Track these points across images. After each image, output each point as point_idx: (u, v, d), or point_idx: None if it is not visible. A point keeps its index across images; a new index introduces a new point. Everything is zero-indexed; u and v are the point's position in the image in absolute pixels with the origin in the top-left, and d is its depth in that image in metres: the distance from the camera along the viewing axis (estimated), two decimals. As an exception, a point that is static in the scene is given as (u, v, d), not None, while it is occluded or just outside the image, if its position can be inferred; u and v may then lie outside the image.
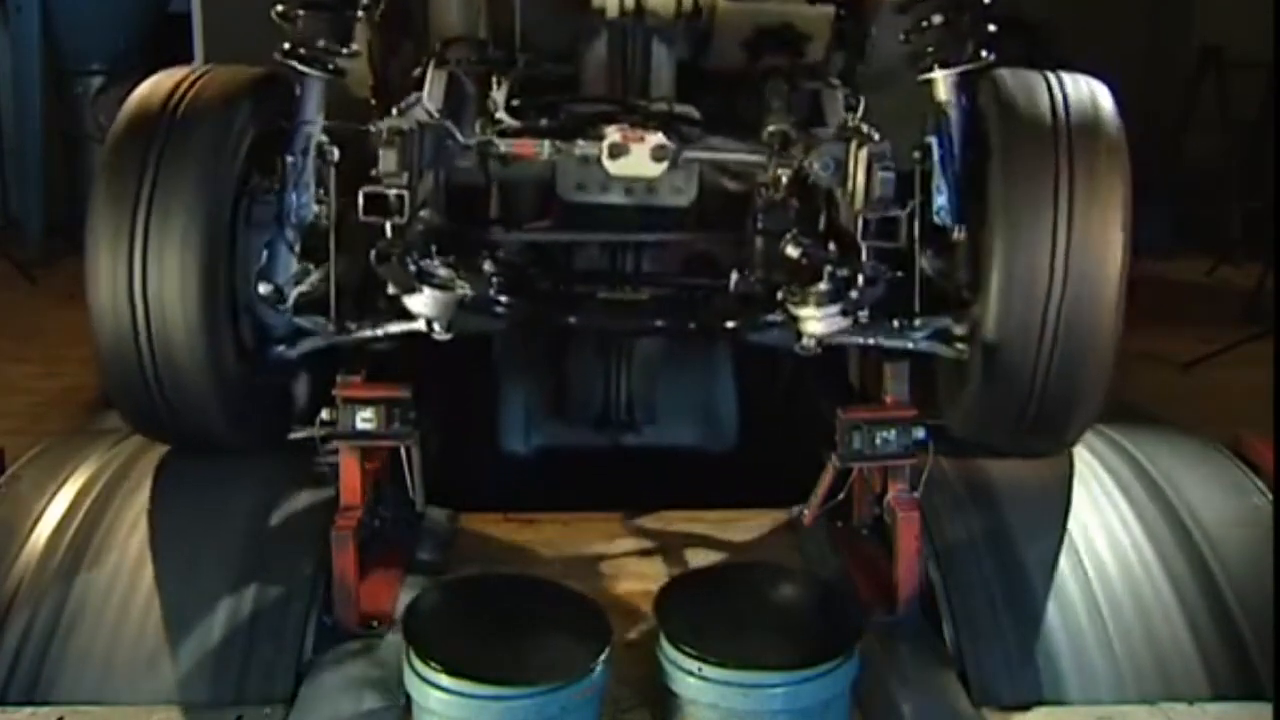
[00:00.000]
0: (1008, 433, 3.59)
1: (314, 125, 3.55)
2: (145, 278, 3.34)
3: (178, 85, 3.54)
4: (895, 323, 3.58)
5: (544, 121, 3.77)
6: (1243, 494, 3.62)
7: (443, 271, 3.45)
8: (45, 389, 5.74)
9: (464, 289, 3.47)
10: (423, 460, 3.45)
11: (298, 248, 3.58)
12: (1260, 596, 3.15)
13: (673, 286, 4.21)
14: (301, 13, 3.54)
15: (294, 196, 3.53)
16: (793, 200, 3.83)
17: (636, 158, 3.64)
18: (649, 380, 4.54)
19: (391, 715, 2.99)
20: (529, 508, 4.03)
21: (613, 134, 3.65)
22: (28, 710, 3.00)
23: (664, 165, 3.66)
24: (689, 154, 3.77)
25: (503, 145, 3.72)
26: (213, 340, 3.40)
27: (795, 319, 3.55)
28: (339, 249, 3.54)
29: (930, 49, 3.59)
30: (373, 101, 4.21)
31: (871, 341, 3.60)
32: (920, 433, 3.38)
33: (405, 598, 3.33)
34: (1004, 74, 3.57)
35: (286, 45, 3.53)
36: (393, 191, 3.38)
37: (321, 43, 3.54)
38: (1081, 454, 3.71)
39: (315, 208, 3.55)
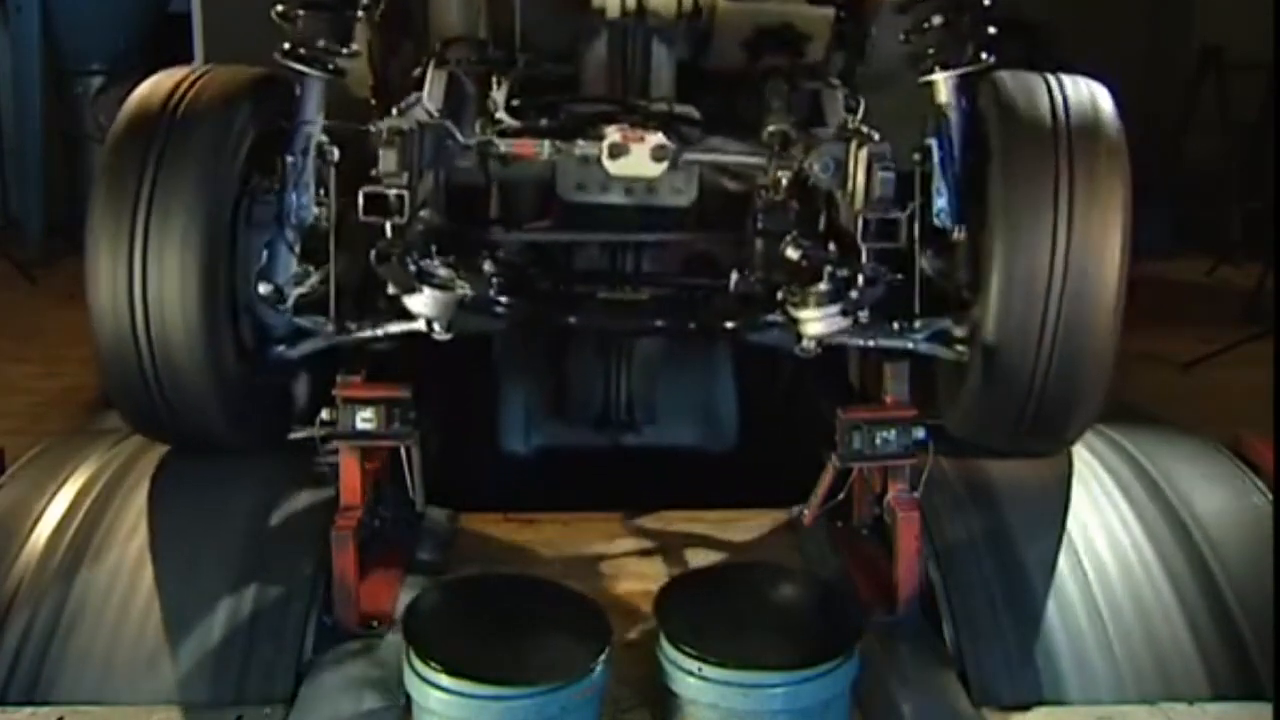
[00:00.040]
0: (1007, 433, 3.59)
1: (314, 125, 3.55)
2: (145, 278, 3.34)
3: (178, 85, 3.54)
4: (895, 324, 3.58)
5: (544, 121, 3.77)
6: (1243, 494, 3.62)
7: (443, 271, 3.45)
8: (45, 389, 5.74)
9: (464, 289, 3.47)
10: (423, 460, 3.45)
11: (298, 248, 3.58)
12: (1260, 596, 3.15)
13: (673, 286, 4.21)
14: (301, 13, 3.54)
15: (294, 197, 3.53)
16: (793, 201, 3.83)
17: (636, 158, 3.64)
18: (649, 380, 4.54)
19: (391, 715, 2.99)
20: (529, 508, 4.03)
21: (613, 134, 3.65)
22: (28, 710, 3.00)
23: (664, 165, 3.66)
24: (689, 155, 3.77)
25: (503, 145, 3.72)
26: (212, 340, 3.40)
27: (795, 319, 3.55)
28: (339, 249, 3.54)
29: (930, 51, 3.59)
30: (373, 101, 4.22)
31: (871, 343, 3.60)
32: (920, 433, 3.38)
33: (405, 598, 3.32)
34: (1004, 76, 3.57)
35: (286, 45, 3.53)
36: (393, 191, 3.38)
37: (321, 43, 3.54)
38: (1081, 454, 3.71)
39: (315, 208, 3.55)
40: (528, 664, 2.89)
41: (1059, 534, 3.41)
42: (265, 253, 3.55)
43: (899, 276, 3.54)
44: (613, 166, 3.65)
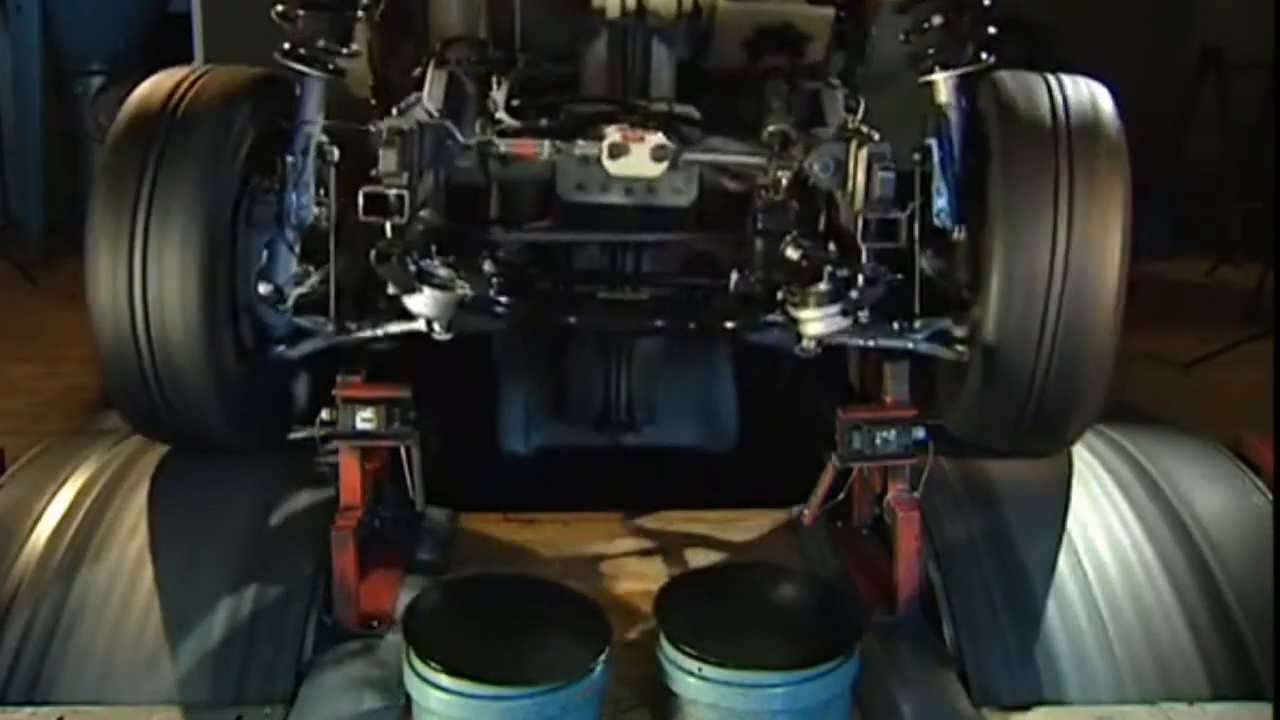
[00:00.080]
0: (1007, 433, 3.59)
1: (314, 125, 3.55)
2: (145, 278, 3.34)
3: (178, 85, 3.54)
4: (895, 324, 3.58)
5: (544, 121, 3.76)
6: (1243, 494, 3.62)
7: (443, 271, 3.45)
8: (45, 389, 5.74)
9: (464, 289, 3.47)
10: (423, 460, 3.45)
11: (298, 248, 3.58)
12: (1260, 596, 3.15)
13: (673, 287, 4.21)
14: (301, 13, 3.54)
15: (294, 197, 3.53)
16: (793, 201, 3.83)
17: (636, 158, 3.64)
18: (649, 380, 4.54)
19: (391, 715, 2.99)
20: (529, 508, 4.03)
21: (613, 134, 3.65)
22: (28, 710, 3.00)
23: (664, 165, 3.66)
24: (689, 155, 3.77)
25: (503, 145, 3.71)
26: (212, 340, 3.40)
27: (795, 319, 3.55)
28: (339, 249, 3.54)
29: (930, 50, 3.59)
30: (373, 101, 4.21)
31: (871, 342, 3.59)
32: (920, 433, 3.38)
33: (405, 598, 3.32)
34: (1004, 76, 3.57)
35: (286, 45, 3.53)
36: (393, 191, 3.38)
37: (321, 43, 3.54)
38: (1081, 454, 3.71)
39: (315, 208, 3.55)
40: (528, 664, 2.89)
41: (1059, 534, 3.41)
42: (265, 253, 3.55)
43: (899, 276, 3.54)
44: (613, 167, 3.65)
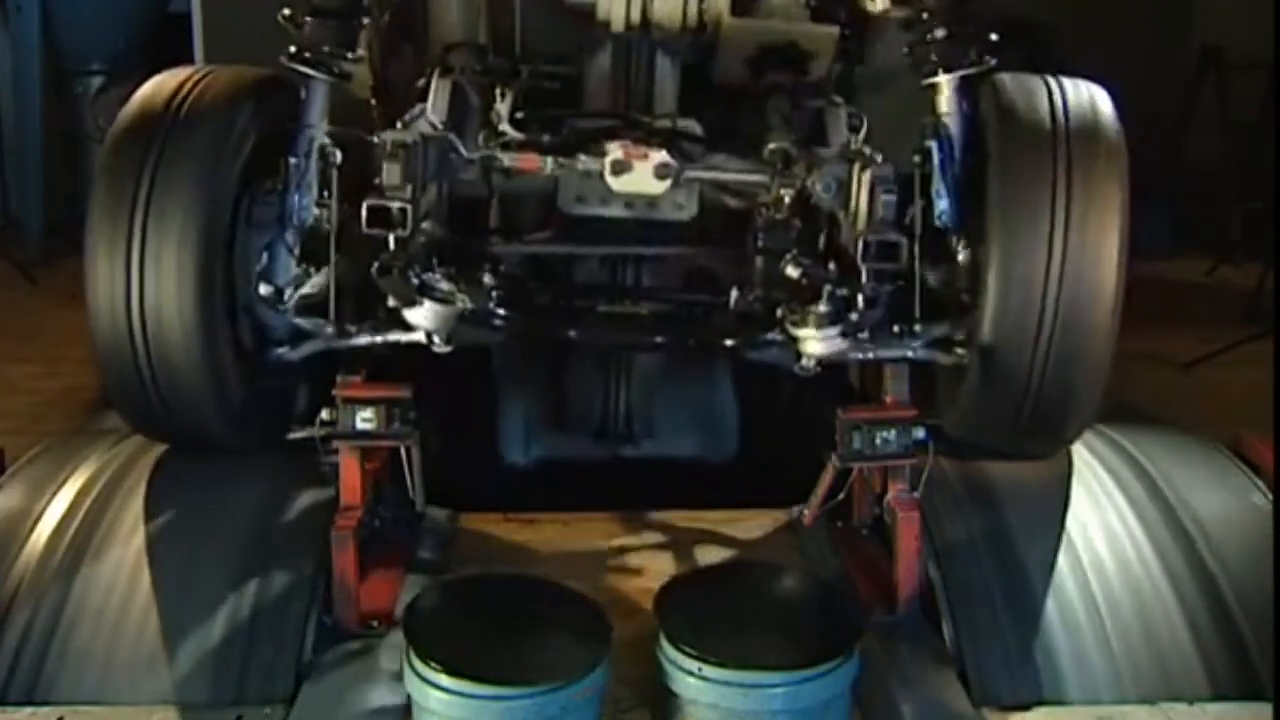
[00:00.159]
0: (1004, 434, 3.59)
1: (317, 128, 3.55)
2: (142, 277, 3.33)
3: (181, 85, 3.54)
4: (895, 328, 3.57)
5: (547, 136, 3.77)
6: (1243, 494, 3.62)
7: (444, 285, 3.45)
8: (45, 389, 5.75)
9: (464, 302, 3.47)
10: (423, 460, 3.45)
11: (298, 250, 3.58)
12: (1260, 596, 3.15)
13: (672, 302, 4.19)
14: (308, 19, 3.54)
15: (295, 198, 3.53)
16: (794, 220, 3.81)
17: (639, 175, 3.64)
18: (648, 391, 4.53)
19: (391, 715, 2.99)
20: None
21: (616, 150, 3.64)
22: (28, 710, 3.00)
23: (667, 183, 3.66)
24: (691, 172, 3.77)
25: (506, 159, 3.72)
26: (209, 340, 3.40)
27: (794, 339, 3.54)
28: (340, 252, 3.54)
29: (932, 53, 3.58)
30: (373, 102, 4.21)
31: (871, 355, 3.58)
32: (920, 433, 3.38)
33: (405, 597, 3.32)
34: (1004, 78, 3.57)
35: (293, 48, 3.53)
36: (396, 204, 3.37)
37: (327, 47, 3.54)
38: (1081, 454, 3.71)
39: (316, 210, 3.55)
40: (528, 664, 2.89)
41: (1059, 534, 3.41)
42: (265, 254, 3.55)
43: (899, 283, 3.53)
44: (616, 183, 3.65)
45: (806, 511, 3.54)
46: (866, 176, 3.50)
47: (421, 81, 3.86)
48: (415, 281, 3.40)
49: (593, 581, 3.55)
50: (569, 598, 3.19)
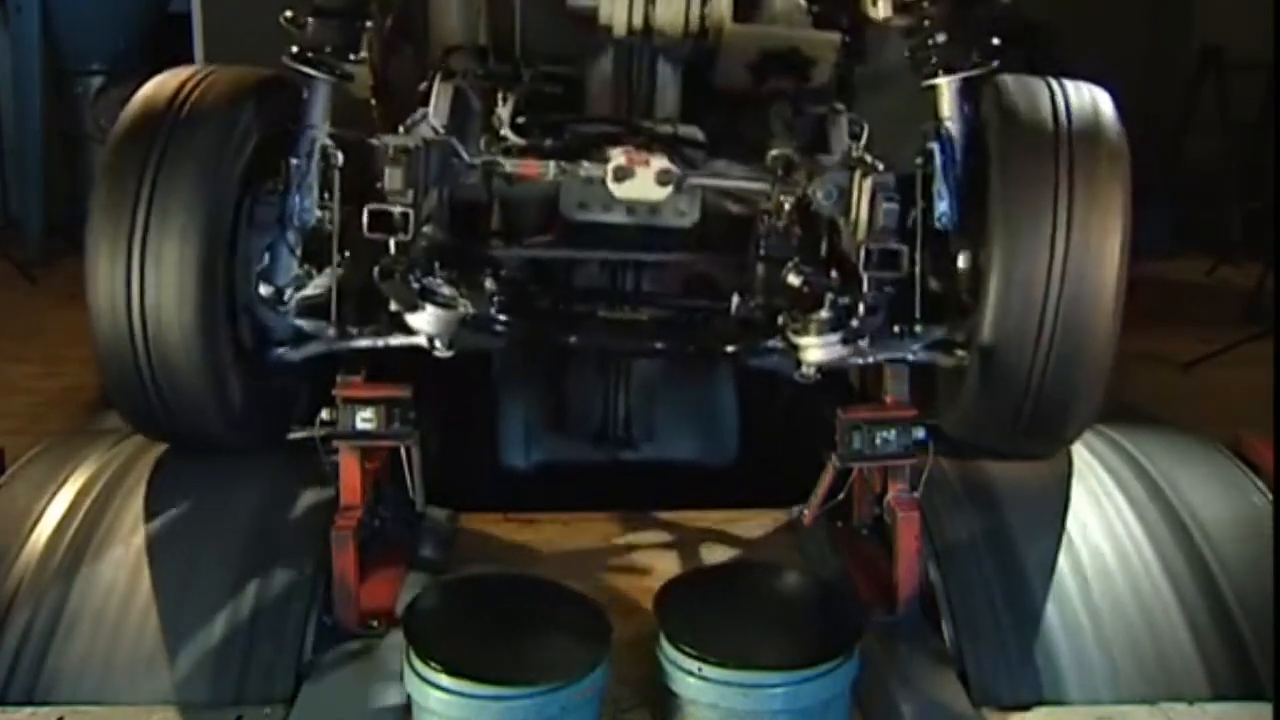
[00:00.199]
0: (1004, 435, 3.59)
1: (319, 129, 3.55)
2: (143, 276, 3.33)
3: (183, 85, 3.54)
4: (896, 328, 3.57)
5: (549, 141, 3.77)
6: (1243, 494, 3.62)
7: (445, 290, 3.45)
8: (45, 389, 5.75)
9: (466, 307, 3.47)
10: (422, 460, 3.45)
11: (299, 250, 3.58)
12: (1260, 596, 3.15)
13: (673, 308, 4.19)
14: (310, 20, 3.54)
15: (297, 199, 3.53)
16: (795, 227, 3.81)
17: (641, 181, 3.64)
18: (649, 395, 4.53)
19: (391, 715, 2.99)
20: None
21: (618, 157, 3.64)
22: (28, 710, 3.00)
23: (669, 189, 3.66)
24: (694, 179, 3.77)
25: (508, 165, 3.72)
26: (209, 340, 3.40)
27: (795, 346, 3.54)
28: (342, 253, 3.53)
29: (933, 55, 3.58)
30: (373, 102, 4.21)
31: (871, 360, 3.58)
32: (920, 433, 3.38)
33: (405, 597, 3.32)
34: (1006, 80, 3.56)
35: (295, 49, 3.53)
36: (397, 209, 3.37)
37: (330, 48, 3.54)
38: (1081, 454, 3.71)
39: (318, 212, 3.55)
40: (528, 664, 2.89)
41: (1059, 534, 3.41)
42: (266, 254, 3.55)
43: (900, 282, 3.53)
44: (618, 190, 3.65)
45: (806, 511, 3.54)
46: (868, 184, 3.50)
47: (423, 85, 3.86)
48: (416, 286, 3.40)
49: (593, 581, 3.56)
50: (569, 598, 3.19)
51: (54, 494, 3.52)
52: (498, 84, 3.84)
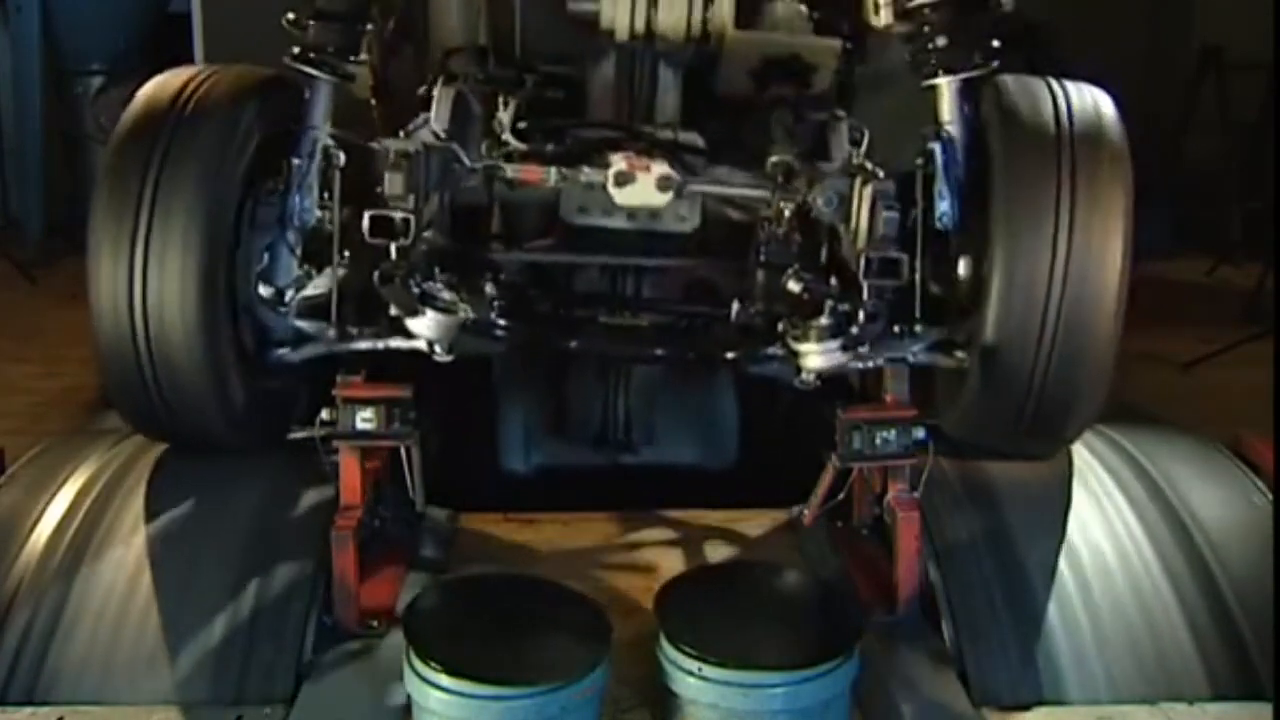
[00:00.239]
0: (1005, 435, 3.59)
1: (320, 130, 3.55)
2: (145, 277, 3.33)
3: (185, 85, 3.54)
4: (896, 328, 3.57)
5: (550, 146, 3.77)
6: (1243, 494, 3.62)
7: (445, 295, 3.45)
8: (45, 389, 5.75)
9: (466, 312, 3.47)
10: (423, 460, 3.45)
11: (299, 251, 3.58)
12: (1260, 596, 3.15)
13: (673, 313, 4.19)
14: (312, 22, 3.54)
15: (298, 200, 3.53)
16: (795, 234, 3.81)
17: (642, 187, 3.64)
18: (649, 398, 4.52)
19: (391, 715, 2.99)
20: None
21: (619, 162, 3.64)
22: (28, 710, 2.99)
23: (669, 195, 3.66)
24: (694, 185, 3.77)
25: (509, 170, 3.72)
26: (211, 341, 3.40)
27: (795, 353, 3.54)
28: (342, 254, 3.53)
29: (934, 56, 3.58)
30: (373, 102, 4.21)
31: (871, 364, 3.58)
32: (920, 433, 3.38)
33: (406, 597, 3.32)
34: (1007, 80, 3.56)
35: (296, 49, 3.53)
36: (398, 214, 3.37)
37: (332, 49, 3.54)
38: (1081, 454, 3.71)
39: (318, 212, 3.55)
40: (528, 664, 2.89)
41: (1059, 534, 3.41)
42: (266, 255, 3.55)
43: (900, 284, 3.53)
44: (618, 195, 3.65)
45: (806, 511, 3.54)
46: (868, 192, 3.50)
47: (424, 89, 3.86)
48: (416, 291, 3.40)
49: (593, 581, 3.56)
50: (569, 598, 3.19)
51: (54, 494, 3.52)
52: (499, 88, 3.84)
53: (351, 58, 3.60)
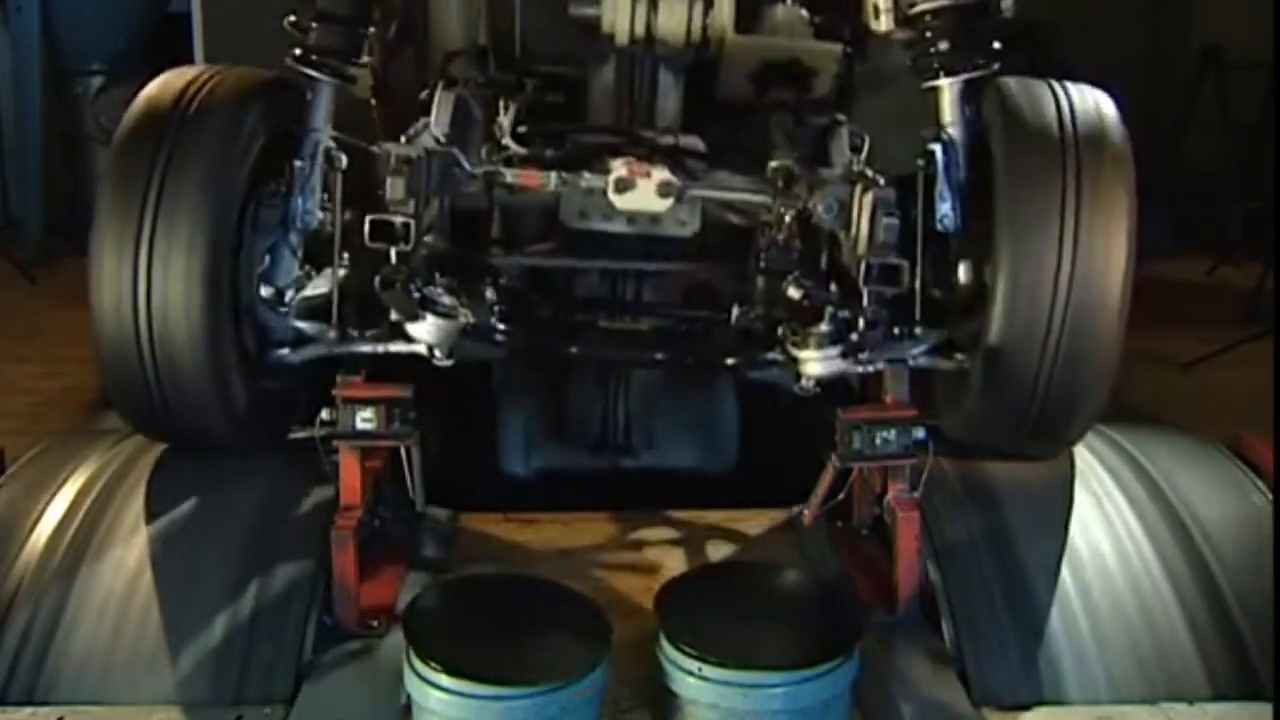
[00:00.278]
0: (1008, 436, 3.59)
1: (322, 131, 3.56)
2: (149, 278, 3.33)
3: (188, 85, 3.54)
4: (896, 330, 3.57)
5: (550, 151, 3.77)
6: (1243, 494, 3.62)
7: (446, 299, 3.45)
8: (45, 389, 5.75)
9: (466, 317, 3.47)
10: (423, 460, 3.45)
11: (300, 252, 3.58)
12: (1260, 596, 3.15)
13: (673, 318, 4.19)
14: (313, 24, 3.54)
15: (299, 201, 3.53)
16: (795, 240, 3.80)
17: (642, 192, 3.64)
18: (648, 401, 4.52)
19: (391, 715, 2.99)
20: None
21: (619, 168, 3.64)
22: (28, 710, 2.99)
23: (670, 201, 3.66)
24: (694, 191, 3.77)
25: (509, 175, 3.72)
26: (214, 342, 3.39)
27: (794, 359, 3.55)
28: (342, 256, 3.53)
29: (935, 58, 3.58)
30: (373, 102, 4.21)
31: (871, 369, 3.58)
32: (920, 433, 3.38)
33: (406, 597, 3.32)
34: (1009, 82, 3.56)
35: (298, 50, 3.53)
36: (399, 219, 3.38)
37: (334, 51, 3.54)
38: (1082, 454, 3.71)
39: (320, 214, 3.55)
40: (528, 664, 2.89)
41: (1059, 534, 3.41)
42: (268, 256, 3.55)
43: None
44: (619, 201, 3.65)
45: (806, 511, 3.54)
46: (868, 198, 3.50)
47: (424, 93, 3.86)
48: (417, 295, 3.40)
49: (593, 581, 3.56)
50: (569, 598, 3.19)
51: (54, 494, 3.51)
52: (499, 92, 3.83)
53: (353, 60, 3.60)
